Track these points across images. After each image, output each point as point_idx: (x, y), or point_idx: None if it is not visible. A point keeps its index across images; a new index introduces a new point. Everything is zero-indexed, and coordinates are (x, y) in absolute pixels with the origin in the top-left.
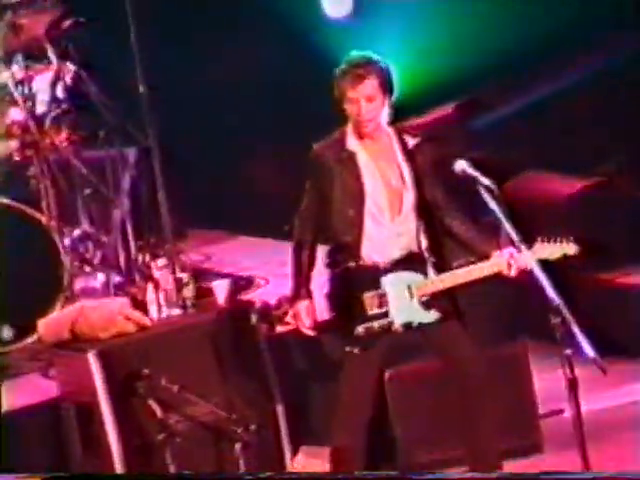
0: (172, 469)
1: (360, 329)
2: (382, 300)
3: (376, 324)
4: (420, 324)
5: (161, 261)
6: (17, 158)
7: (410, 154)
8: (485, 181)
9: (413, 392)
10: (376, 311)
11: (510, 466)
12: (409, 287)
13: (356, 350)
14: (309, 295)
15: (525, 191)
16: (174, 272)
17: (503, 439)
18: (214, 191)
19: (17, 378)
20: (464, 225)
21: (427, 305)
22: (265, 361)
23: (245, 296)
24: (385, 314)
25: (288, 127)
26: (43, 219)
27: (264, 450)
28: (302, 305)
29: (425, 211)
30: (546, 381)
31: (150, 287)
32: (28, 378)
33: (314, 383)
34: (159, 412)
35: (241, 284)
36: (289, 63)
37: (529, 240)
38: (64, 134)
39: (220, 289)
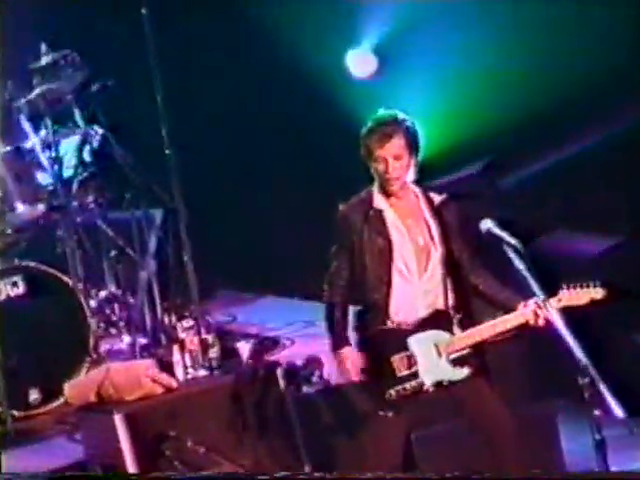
0: None
1: (392, 392)
2: (410, 361)
3: (407, 386)
4: (450, 382)
5: (187, 322)
6: (42, 222)
7: (436, 211)
8: (511, 240)
9: (441, 451)
10: (405, 373)
11: None
12: (436, 346)
13: (390, 414)
14: (348, 343)
15: (552, 250)
16: (200, 333)
17: None
18: (239, 252)
19: (44, 441)
20: (489, 283)
21: (456, 363)
22: (292, 422)
23: (271, 357)
24: (415, 375)
25: (313, 187)
26: (69, 282)
27: None
28: (345, 352)
29: (452, 268)
30: (575, 441)
31: (176, 348)
32: (55, 441)
33: (341, 443)
34: (186, 474)
35: (266, 345)
36: (314, 123)
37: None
38: (91, 197)
39: (246, 350)
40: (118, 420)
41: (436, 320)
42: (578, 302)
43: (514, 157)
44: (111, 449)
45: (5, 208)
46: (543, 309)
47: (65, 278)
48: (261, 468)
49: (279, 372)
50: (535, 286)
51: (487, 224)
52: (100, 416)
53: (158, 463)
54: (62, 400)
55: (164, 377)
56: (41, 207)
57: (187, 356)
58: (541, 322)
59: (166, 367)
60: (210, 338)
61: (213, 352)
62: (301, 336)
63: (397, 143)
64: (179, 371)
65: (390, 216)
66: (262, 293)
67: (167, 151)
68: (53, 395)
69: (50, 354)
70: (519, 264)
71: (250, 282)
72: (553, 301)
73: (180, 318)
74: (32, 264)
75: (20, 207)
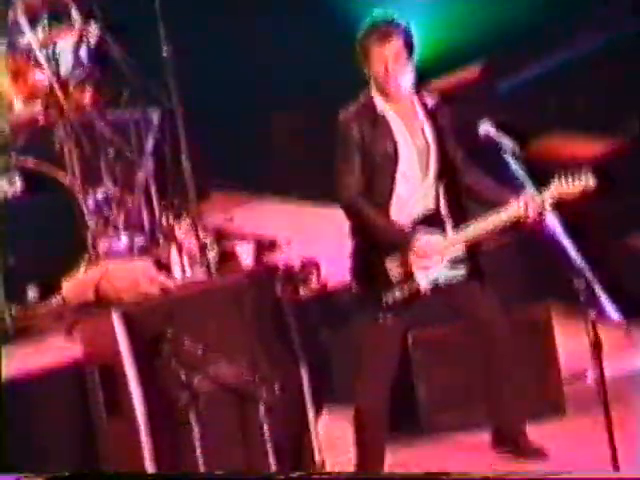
0: (196, 430)
1: (389, 297)
2: (406, 264)
3: (404, 289)
4: (446, 283)
5: (185, 223)
6: (41, 120)
7: (431, 114)
8: (508, 143)
9: (437, 354)
10: (402, 276)
11: (533, 429)
12: (431, 247)
13: (389, 317)
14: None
15: (549, 153)
16: (197, 234)
17: (526, 402)
18: (237, 153)
19: (41, 339)
20: (483, 183)
21: (451, 262)
22: (289, 323)
23: (268, 258)
24: (410, 277)
25: (312, 91)
26: (67, 180)
27: (288, 412)
28: (421, 242)
29: (446, 171)
30: (570, 344)
31: (174, 249)
32: (52, 339)
33: (338, 345)
34: (183, 373)
35: (264, 246)
36: (308, 29)
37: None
38: (88, 96)
39: (244, 251)
40: (115, 319)
41: (429, 221)
42: (570, 191)
43: (512, 59)
44: (108, 348)
45: (2, 106)
46: (534, 201)
47: (63, 176)
48: (258, 369)
49: (276, 274)
50: (532, 189)
51: (484, 126)
52: (98, 315)
53: (155, 363)
54: (60, 298)
55: (162, 277)
56: (38, 105)
57: (185, 257)
58: (531, 213)
59: (164, 267)
60: (208, 239)
61: (211, 253)
62: (298, 238)
63: (396, 43)
64: (177, 272)
65: (393, 119)
66: (260, 195)
67: (165, 50)
68: (51, 293)
69: (48, 253)
70: (516, 167)
71: (248, 184)
72: (545, 192)
73: (178, 219)
74: (30, 162)
75: (17, 105)
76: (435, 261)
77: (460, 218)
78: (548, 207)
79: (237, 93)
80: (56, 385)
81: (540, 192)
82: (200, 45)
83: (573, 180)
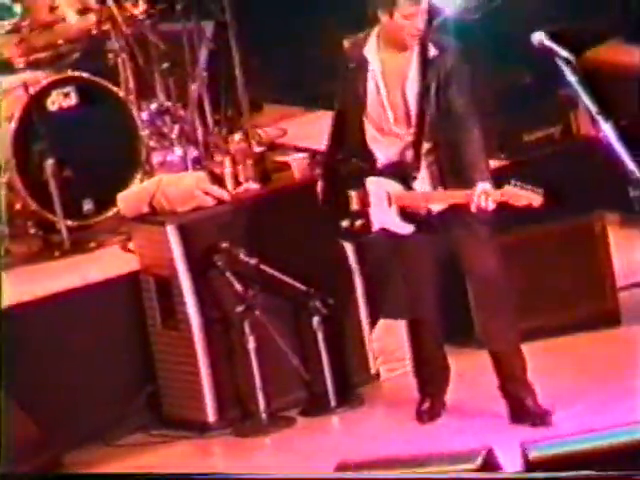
0: (250, 342)
1: (344, 223)
2: (365, 200)
3: (357, 222)
4: (394, 231)
5: (238, 135)
6: (94, 32)
7: (428, 64)
8: (563, 53)
9: None
10: (358, 209)
11: (588, 337)
12: (389, 194)
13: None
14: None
15: (605, 62)
16: (251, 146)
17: (581, 311)
18: (290, 66)
19: (97, 251)
20: (472, 142)
21: (404, 216)
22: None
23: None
24: (366, 214)
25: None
26: (121, 93)
27: (342, 323)
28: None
29: (435, 123)
30: (626, 254)
31: (227, 161)
32: (108, 251)
33: (392, 256)
34: (237, 285)
35: (317, 159)
36: None
37: (608, 113)
38: (141, 7)
39: (297, 163)
40: (170, 231)
41: (399, 170)
42: (515, 202)
43: None
44: (164, 260)
45: (56, 19)
46: (484, 198)
47: (117, 89)
48: (312, 281)
49: None
50: (587, 99)
51: (539, 37)
52: (153, 227)
53: (210, 274)
54: (115, 210)
55: (216, 189)
56: (92, 17)
57: (239, 169)
58: (473, 209)
59: (217, 180)
60: (261, 151)
61: (264, 165)
62: None
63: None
64: (230, 184)
65: (375, 69)
66: (312, 107)
67: None
68: (106, 205)
69: (102, 165)
70: (571, 77)
71: (300, 96)
72: (497, 193)
73: (231, 131)
74: (84, 75)
75: (71, 17)
76: (389, 209)
77: (433, 173)
78: (491, 206)
79: (290, 6)
80: (112, 296)
81: (598, 113)
82: None
83: (524, 191)
